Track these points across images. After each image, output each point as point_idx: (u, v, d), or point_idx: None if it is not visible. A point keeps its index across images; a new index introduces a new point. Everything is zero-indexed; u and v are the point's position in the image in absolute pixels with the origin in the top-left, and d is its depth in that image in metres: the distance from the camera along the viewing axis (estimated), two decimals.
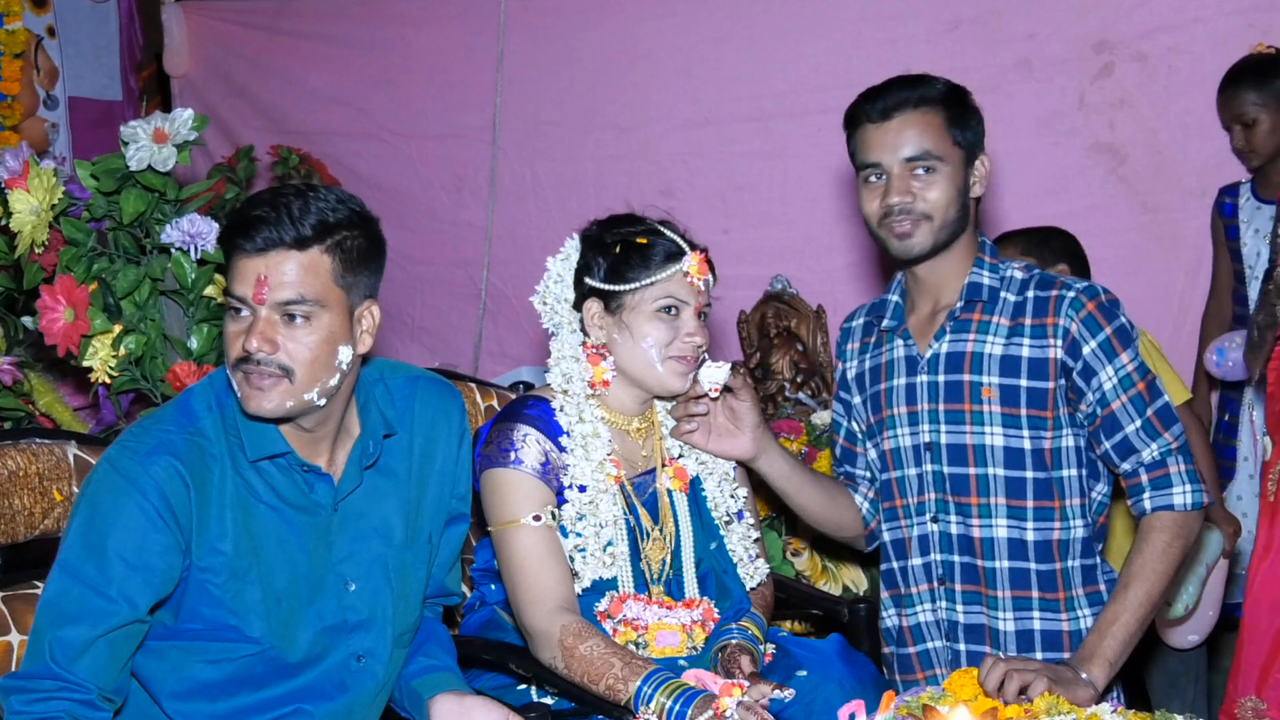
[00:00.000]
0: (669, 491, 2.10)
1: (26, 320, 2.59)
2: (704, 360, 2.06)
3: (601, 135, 4.08)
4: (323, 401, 1.70)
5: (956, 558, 2.10)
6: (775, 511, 2.71)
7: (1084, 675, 1.86)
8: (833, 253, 3.79)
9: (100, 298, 2.35)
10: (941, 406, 2.09)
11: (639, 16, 4.00)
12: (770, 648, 2.10)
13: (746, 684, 1.78)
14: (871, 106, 2.06)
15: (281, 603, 1.74)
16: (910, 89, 2.05)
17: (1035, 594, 2.06)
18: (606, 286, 2.03)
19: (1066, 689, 1.79)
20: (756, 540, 2.15)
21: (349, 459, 1.81)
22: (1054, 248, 2.87)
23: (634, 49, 4.02)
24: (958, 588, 2.10)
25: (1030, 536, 2.05)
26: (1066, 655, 2.02)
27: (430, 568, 1.92)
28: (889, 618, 2.21)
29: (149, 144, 2.37)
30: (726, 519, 2.13)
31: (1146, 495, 2.00)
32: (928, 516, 2.12)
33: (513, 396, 2.43)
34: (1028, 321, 2.06)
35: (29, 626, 1.66)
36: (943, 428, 2.09)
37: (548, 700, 1.97)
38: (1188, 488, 1.98)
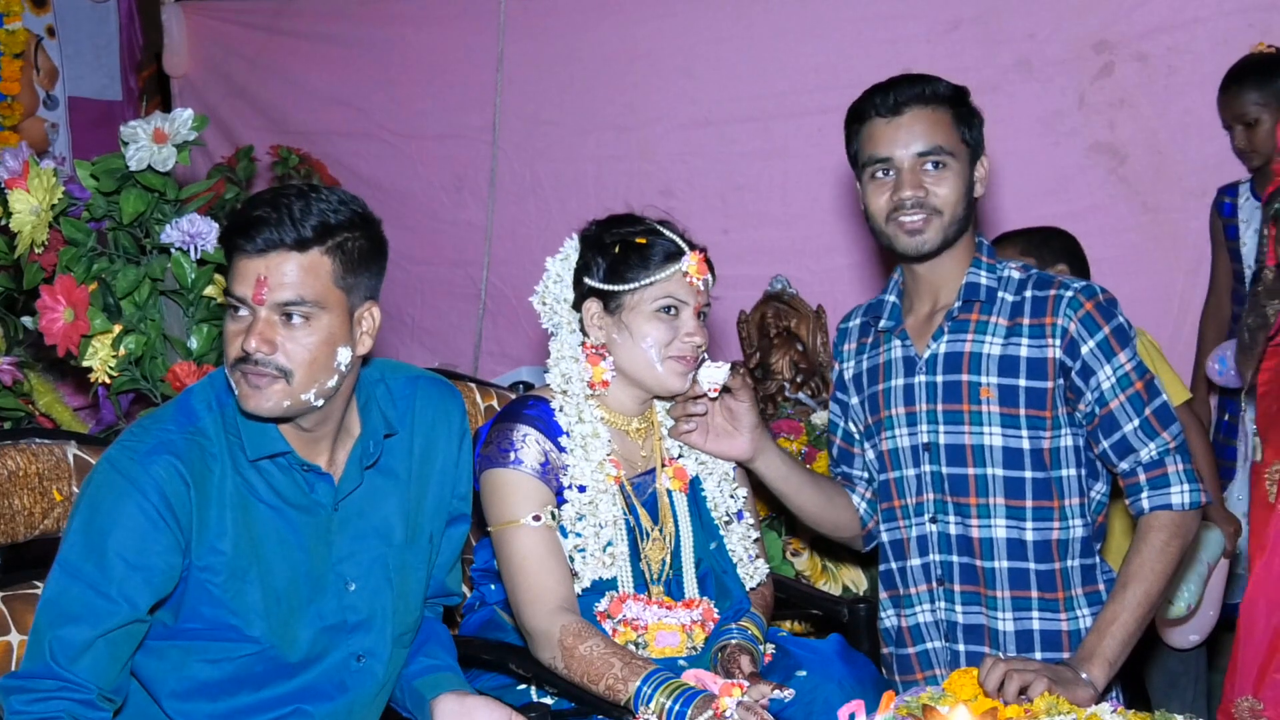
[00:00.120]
0: (669, 492, 2.10)
1: (26, 320, 2.59)
2: (703, 360, 2.06)
3: (601, 135, 4.08)
4: (320, 402, 1.70)
5: (955, 558, 2.10)
6: (774, 512, 2.71)
7: (1084, 675, 1.86)
8: (833, 253, 3.79)
9: (100, 298, 2.35)
10: (940, 407, 2.09)
11: (639, 16, 4.00)
12: (770, 648, 2.10)
13: (746, 684, 1.78)
14: (882, 101, 2.05)
15: (281, 602, 1.74)
16: (920, 85, 2.05)
17: (1034, 594, 2.06)
18: (606, 286, 2.03)
19: (1066, 689, 1.79)
20: (756, 540, 2.15)
21: (349, 458, 1.81)
22: (1053, 248, 2.87)
23: (634, 49, 4.03)
24: (956, 588, 2.10)
25: (1029, 536, 2.05)
26: (1066, 655, 2.02)
27: (431, 568, 1.92)
28: (888, 618, 2.21)
29: (149, 144, 2.37)
30: (726, 519, 2.13)
31: (1144, 495, 2.00)
32: (926, 517, 2.12)
33: (512, 396, 2.43)
34: (1026, 321, 2.06)
35: (29, 626, 1.66)
36: (941, 428, 2.09)
37: (547, 700, 1.97)
38: (1185, 487, 1.98)
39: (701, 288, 2.04)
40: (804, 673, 1.99)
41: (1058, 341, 2.03)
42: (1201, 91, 3.31)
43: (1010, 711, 1.70)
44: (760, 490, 2.23)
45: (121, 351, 2.36)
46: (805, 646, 2.10)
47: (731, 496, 2.14)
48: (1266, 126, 3.13)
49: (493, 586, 2.12)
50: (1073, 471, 2.06)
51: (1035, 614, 2.06)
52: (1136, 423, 2.00)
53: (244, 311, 1.66)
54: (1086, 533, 2.08)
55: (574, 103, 4.12)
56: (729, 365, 2.05)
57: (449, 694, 1.84)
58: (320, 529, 1.78)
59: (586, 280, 2.05)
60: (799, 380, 3.36)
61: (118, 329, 2.36)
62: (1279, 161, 2.66)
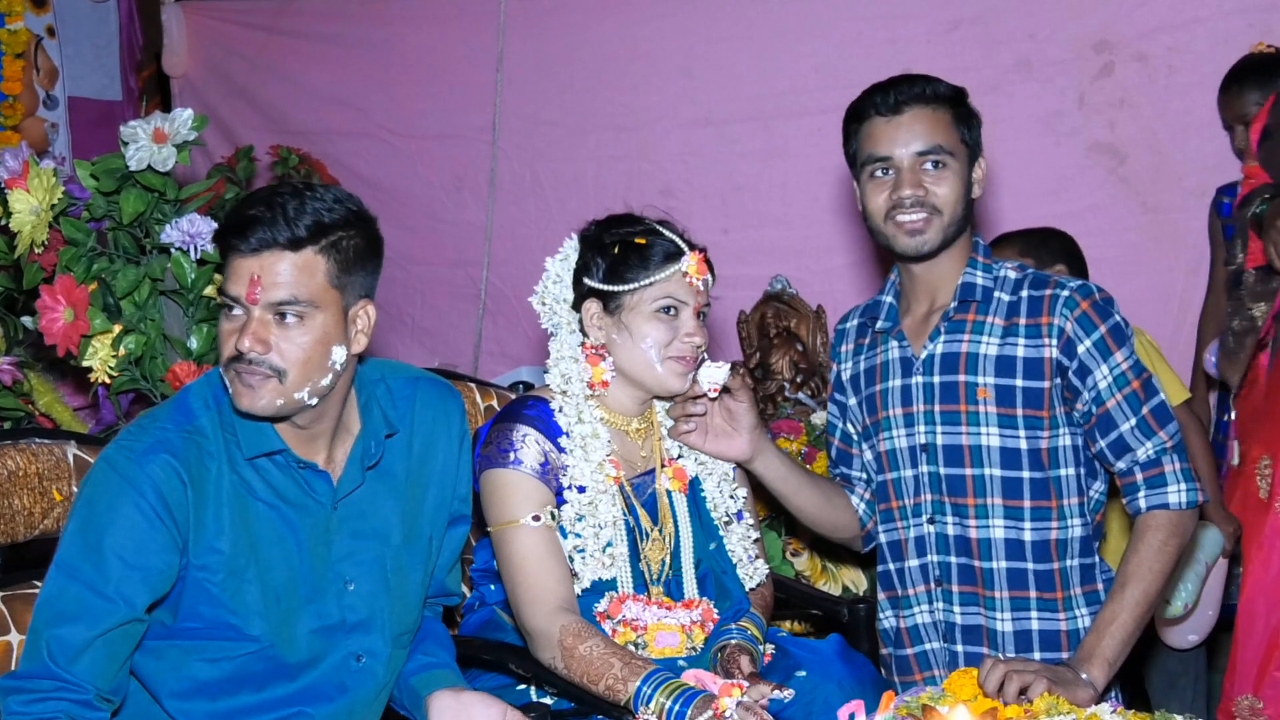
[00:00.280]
0: (668, 492, 2.10)
1: (26, 320, 2.59)
2: (703, 360, 2.06)
3: (601, 135, 4.09)
4: (315, 401, 1.70)
5: (953, 559, 2.09)
6: (774, 512, 2.71)
7: (1083, 675, 1.86)
8: (832, 253, 3.80)
9: (100, 298, 2.35)
10: (937, 408, 2.09)
11: (639, 16, 4.00)
12: (769, 648, 2.10)
13: (746, 684, 1.78)
14: (882, 100, 2.05)
15: (280, 601, 1.74)
16: (921, 85, 2.05)
17: (1033, 594, 2.06)
18: (605, 287, 2.03)
19: (1066, 689, 1.79)
20: (756, 540, 2.15)
21: (350, 458, 1.81)
22: (1051, 248, 2.87)
23: (634, 49, 4.03)
24: (955, 589, 2.10)
25: (1027, 536, 2.05)
26: (1065, 655, 2.02)
27: (430, 569, 1.92)
28: (886, 619, 2.21)
29: (149, 144, 2.37)
30: (726, 519, 2.13)
31: (1142, 494, 1.99)
32: (924, 518, 2.12)
33: (512, 396, 2.43)
34: (1022, 321, 2.05)
35: (29, 626, 1.66)
36: (938, 429, 2.09)
37: (547, 700, 1.97)
38: (1183, 486, 1.98)
39: (701, 288, 2.04)
40: (803, 673, 1.99)
41: (1054, 341, 2.03)
42: (1201, 91, 3.31)
43: (1010, 712, 1.70)
44: (760, 491, 2.23)
45: (121, 351, 2.36)
46: (805, 647, 2.10)
47: (731, 497, 2.14)
48: None
49: (493, 586, 2.12)
50: (1071, 471, 2.06)
51: (1034, 614, 2.06)
52: (1133, 422, 2.00)
53: (238, 310, 1.66)
54: (1085, 532, 2.08)
55: (574, 103, 4.12)
56: (729, 365, 2.05)
57: (444, 690, 1.84)
58: (319, 528, 1.77)
59: (586, 280, 2.05)
60: (799, 380, 3.36)
61: (118, 329, 2.36)
62: (1249, 165, 2.67)
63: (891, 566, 2.19)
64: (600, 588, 2.00)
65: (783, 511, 2.28)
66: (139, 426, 1.71)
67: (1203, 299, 3.35)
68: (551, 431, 2.02)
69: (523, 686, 2.01)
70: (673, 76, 3.98)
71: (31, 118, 4.41)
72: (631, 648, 1.96)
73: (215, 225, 2.37)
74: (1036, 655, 2.04)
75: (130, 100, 4.74)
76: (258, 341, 1.64)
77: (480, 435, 2.06)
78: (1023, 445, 2.04)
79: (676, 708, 1.75)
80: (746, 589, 2.10)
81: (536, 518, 1.97)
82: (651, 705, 1.78)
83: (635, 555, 2.04)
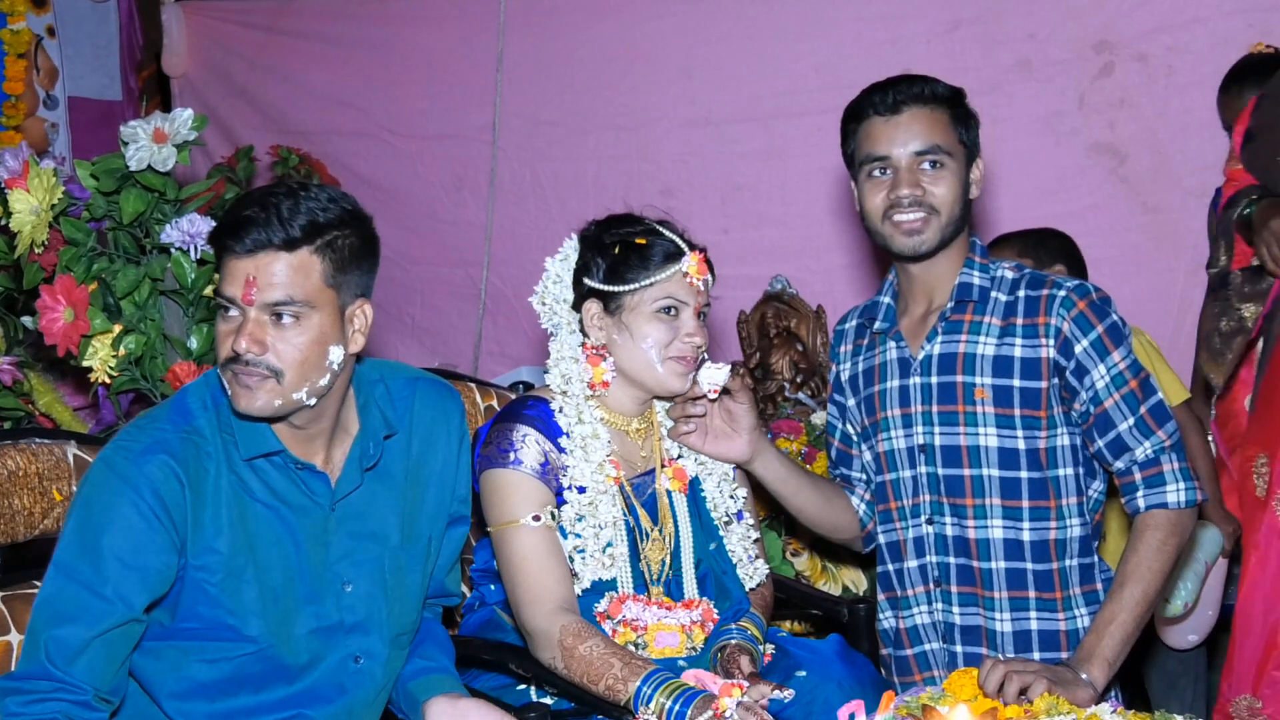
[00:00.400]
0: (668, 492, 2.10)
1: (26, 320, 2.59)
2: (704, 361, 2.06)
3: (601, 135, 4.09)
4: (313, 401, 1.70)
5: (952, 559, 2.09)
6: (774, 512, 2.71)
7: (1083, 676, 1.86)
8: (832, 253, 3.80)
9: (100, 298, 2.35)
10: (935, 408, 2.09)
11: (639, 16, 4.00)
12: (769, 648, 2.10)
13: (746, 684, 1.78)
14: (880, 100, 2.05)
15: (279, 602, 1.74)
16: (919, 85, 2.05)
17: (1032, 594, 2.06)
18: (605, 287, 2.03)
19: (1066, 689, 1.79)
20: (756, 541, 2.15)
21: (348, 459, 1.80)
22: (1050, 249, 2.87)
23: (634, 49, 4.03)
24: (954, 589, 2.10)
25: (1026, 536, 2.05)
26: (1064, 655, 2.02)
27: (429, 570, 1.92)
28: (886, 620, 2.21)
29: (149, 144, 2.37)
30: (726, 519, 2.13)
31: (1140, 493, 1.99)
32: (923, 518, 2.12)
33: (512, 396, 2.43)
34: (1019, 321, 2.05)
35: (27, 627, 1.66)
36: (936, 429, 2.09)
37: (547, 700, 1.97)
38: (1181, 485, 1.98)
39: (701, 288, 2.04)
40: (803, 673, 1.99)
41: (1051, 341, 2.03)
42: (1201, 91, 3.31)
43: (1010, 712, 1.70)
44: (759, 491, 2.23)
45: (121, 351, 2.36)
46: (805, 647, 2.10)
47: (731, 497, 2.14)
48: None
49: (492, 586, 2.12)
50: (1069, 471, 2.06)
51: (1033, 614, 2.06)
52: (1131, 421, 2.00)
53: (234, 312, 1.66)
54: (1084, 532, 2.08)
55: (574, 103, 4.12)
56: (729, 367, 2.05)
57: (441, 696, 1.84)
58: (317, 529, 1.77)
59: (586, 281, 2.05)
60: (799, 380, 3.36)
61: (118, 329, 2.36)
62: (1231, 168, 2.66)
63: (890, 567, 2.19)
64: (600, 588, 2.00)
65: (783, 512, 2.28)
66: (137, 427, 1.71)
67: (1202, 299, 3.34)
68: (552, 432, 2.02)
69: (523, 686, 2.01)
70: (673, 76, 3.98)
71: (31, 118, 4.41)
72: (631, 648, 1.96)
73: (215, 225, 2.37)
74: (1036, 655, 2.04)
75: (130, 100, 4.74)
76: (254, 342, 1.63)
77: (480, 435, 2.06)
78: (1021, 445, 2.04)
79: (676, 708, 1.75)
80: (746, 589, 2.10)
81: (537, 518, 1.97)
82: (651, 705, 1.78)
83: (635, 555, 2.04)
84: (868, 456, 2.22)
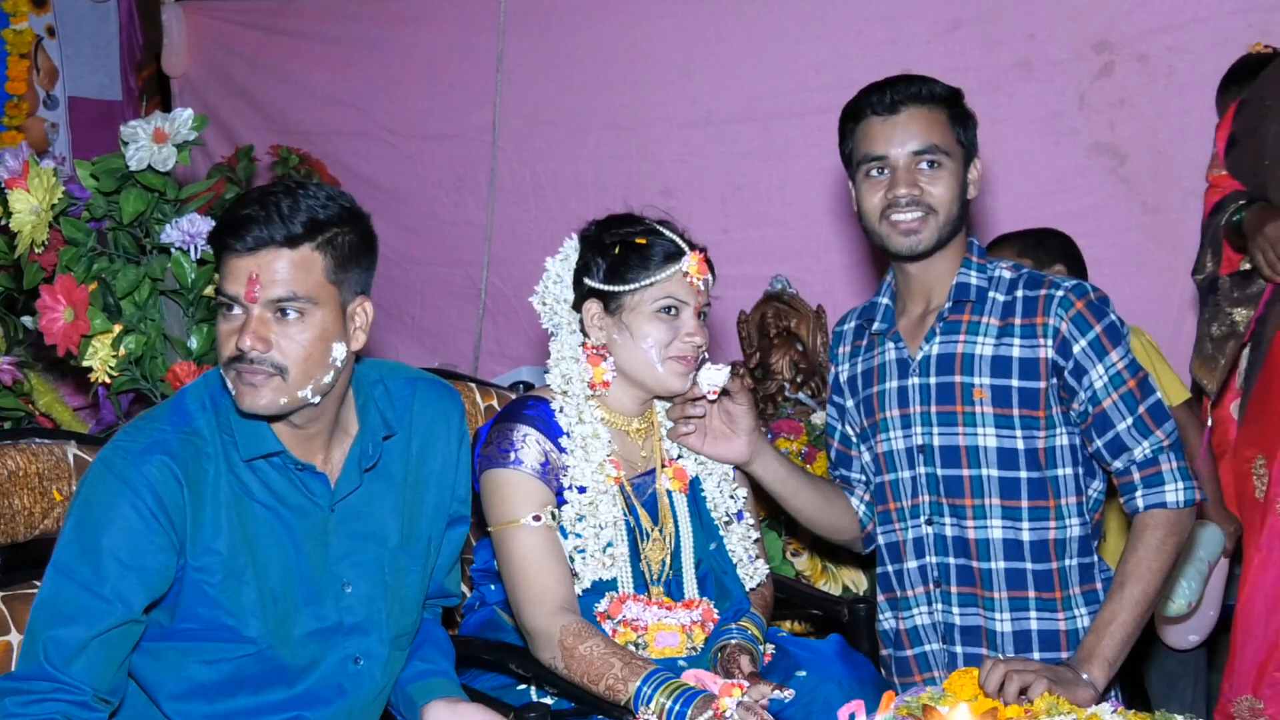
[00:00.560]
0: (668, 492, 2.10)
1: (26, 320, 2.59)
2: (704, 361, 2.06)
3: (601, 135, 4.09)
4: (317, 399, 1.70)
5: (952, 560, 2.09)
6: (774, 513, 2.71)
7: (1084, 675, 1.86)
8: (832, 253, 3.80)
9: (100, 298, 2.35)
10: (933, 409, 2.09)
11: (639, 16, 4.00)
12: (770, 648, 2.09)
13: (746, 684, 1.78)
14: (878, 100, 2.05)
15: (278, 602, 1.74)
16: (917, 85, 2.05)
17: (1032, 594, 2.06)
18: (606, 287, 2.03)
19: (1067, 689, 1.79)
20: (756, 540, 2.15)
21: (348, 459, 1.80)
22: (1050, 249, 2.87)
23: (634, 49, 4.03)
24: (953, 590, 2.10)
25: (1026, 536, 2.05)
26: (1064, 655, 2.01)
27: (428, 571, 1.92)
28: (886, 621, 2.21)
29: (149, 144, 2.37)
30: (726, 519, 2.13)
31: (1139, 493, 1.99)
32: (922, 519, 2.12)
33: (513, 396, 2.43)
34: (1017, 321, 2.05)
35: (26, 627, 1.66)
36: (935, 430, 2.09)
37: (548, 700, 1.97)
38: (1180, 485, 1.98)
39: (701, 287, 2.04)
40: (804, 673, 1.99)
41: (1049, 341, 2.03)
42: (1201, 91, 3.31)
43: (1010, 712, 1.70)
44: (759, 492, 2.23)
45: (121, 351, 2.36)
46: (805, 647, 2.10)
47: (731, 497, 2.14)
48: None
49: (493, 586, 2.12)
50: (1068, 471, 2.06)
51: (1033, 614, 2.06)
52: (1130, 421, 2.00)
53: (236, 310, 1.66)
54: (1084, 531, 2.08)
55: (574, 103, 4.12)
56: (728, 368, 2.05)
57: (440, 700, 1.83)
58: (316, 530, 1.77)
59: (586, 281, 2.05)
60: (799, 380, 3.36)
61: (118, 329, 2.36)
62: (1214, 174, 2.66)
63: (890, 568, 2.18)
64: (601, 588, 2.00)
65: (783, 512, 2.28)
66: (135, 428, 1.71)
67: None
68: (552, 431, 2.02)
69: (523, 686, 2.01)
70: (673, 76, 3.98)
71: (31, 117, 4.42)
72: (632, 648, 1.96)
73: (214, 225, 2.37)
74: (1036, 655, 2.04)
75: (130, 100, 4.74)
76: (259, 340, 1.63)
77: (480, 435, 2.06)
78: (1019, 445, 2.04)
79: (677, 708, 1.75)
80: (747, 589, 2.10)
81: (537, 518, 1.97)
82: (652, 705, 1.78)
83: (635, 555, 2.04)
84: (867, 458, 2.22)
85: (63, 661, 1.58)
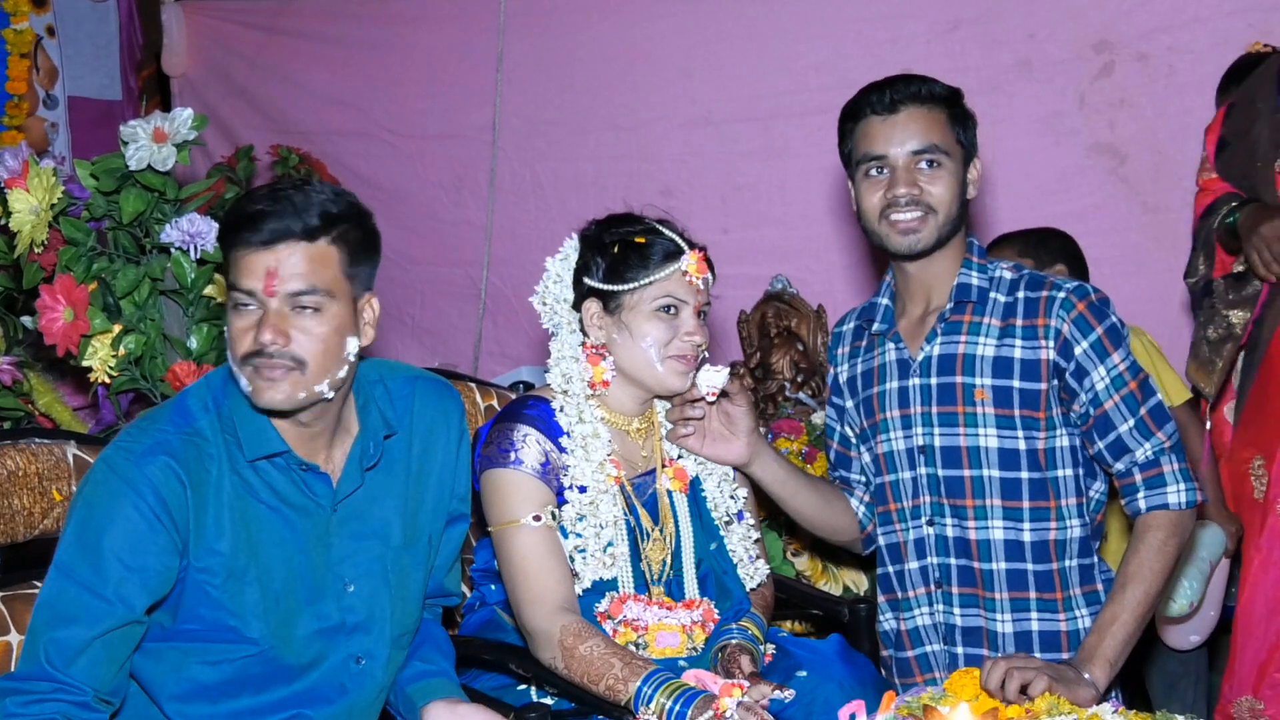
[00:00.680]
0: (669, 492, 2.10)
1: (26, 320, 2.59)
2: (704, 361, 2.06)
3: (601, 135, 4.09)
4: (331, 394, 1.70)
5: (953, 560, 2.09)
6: (774, 513, 2.71)
7: (1085, 676, 1.86)
8: (832, 253, 3.80)
9: (100, 297, 2.35)
10: (934, 409, 2.09)
11: (639, 16, 4.01)
12: (770, 648, 2.09)
13: (746, 684, 1.78)
14: (878, 99, 2.05)
15: (280, 603, 1.74)
16: (916, 85, 2.05)
17: (1032, 595, 2.06)
18: (605, 286, 2.03)
19: (1068, 689, 1.78)
20: (756, 541, 2.15)
21: (349, 459, 1.80)
22: (1051, 249, 2.87)
23: (634, 49, 4.03)
24: (954, 591, 2.10)
25: (1027, 537, 2.05)
26: (1065, 656, 2.01)
27: (429, 569, 1.92)
28: (886, 621, 2.20)
29: (149, 144, 2.37)
30: (726, 519, 2.13)
31: (1140, 494, 1.99)
32: (923, 520, 2.12)
33: (513, 396, 2.43)
34: (1019, 322, 2.05)
35: (27, 627, 1.66)
36: (936, 430, 2.09)
37: (548, 700, 1.97)
38: (1181, 486, 1.98)
39: (701, 287, 2.04)
40: (804, 673, 1.99)
41: (1051, 343, 2.03)
42: (1201, 91, 3.31)
43: (1011, 711, 1.70)
44: (759, 493, 2.23)
45: (121, 351, 2.36)
46: (805, 647, 2.10)
47: (731, 497, 2.14)
48: None
49: (493, 586, 2.12)
50: (1069, 471, 2.06)
51: (1033, 615, 2.06)
52: (1131, 423, 2.00)
53: (252, 305, 1.65)
54: (1085, 532, 2.08)
55: (574, 103, 4.12)
56: (727, 369, 2.05)
57: (440, 701, 1.83)
58: (318, 530, 1.77)
59: (586, 280, 2.05)
60: (799, 380, 3.35)
61: (118, 329, 2.36)
62: (1205, 178, 2.66)
63: (891, 569, 2.18)
64: (601, 588, 2.00)
65: (783, 512, 2.28)
66: (138, 428, 1.71)
67: None
68: (552, 431, 2.02)
69: (523, 686, 2.01)
70: (673, 76, 3.98)
71: (31, 117, 4.42)
72: (632, 648, 1.96)
73: (215, 225, 2.36)
74: (1037, 656, 2.04)
75: (130, 100, 4.74)
76: (278, 334, 1.63)
77: (481, 435, 2.06)
78: (1020, 446, 2.04)
79: (677, 708, 1.75)
80: (747, 589, 2.10)
81: (537, 517, 1.97)
82: (652, 705, 1.78)
83: (636, 555, 2.04)
84: (867, 458, 2.22)
85: (64, 662, 1.58)
